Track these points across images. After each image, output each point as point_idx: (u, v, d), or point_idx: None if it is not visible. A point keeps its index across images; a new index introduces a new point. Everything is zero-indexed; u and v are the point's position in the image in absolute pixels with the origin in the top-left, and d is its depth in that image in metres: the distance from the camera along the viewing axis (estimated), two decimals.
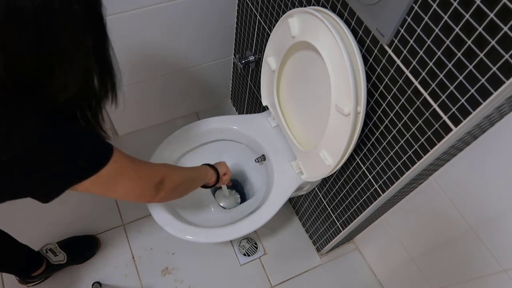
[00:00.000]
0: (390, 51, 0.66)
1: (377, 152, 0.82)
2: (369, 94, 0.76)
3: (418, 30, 0.58)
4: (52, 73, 0.49)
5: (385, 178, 0.84)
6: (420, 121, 0.66)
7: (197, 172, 0.94)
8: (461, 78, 0.55)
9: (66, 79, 0.51)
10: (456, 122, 0.59)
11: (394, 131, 0.74)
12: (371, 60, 0.71)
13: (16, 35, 0.44)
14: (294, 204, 1.49)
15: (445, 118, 0.61)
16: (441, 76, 0.58)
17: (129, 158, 0.66)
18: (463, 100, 0.56)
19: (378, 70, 0.71)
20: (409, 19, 0.59)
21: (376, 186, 0.89)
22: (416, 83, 0.63)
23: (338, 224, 1.18)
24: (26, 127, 0.50)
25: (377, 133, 0.79)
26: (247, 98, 1.52)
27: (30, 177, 0.54)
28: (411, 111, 0.67)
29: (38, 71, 0.48)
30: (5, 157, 0.50)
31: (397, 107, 0.70)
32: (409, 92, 0.66)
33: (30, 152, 0.51)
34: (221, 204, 1.27)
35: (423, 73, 0.61)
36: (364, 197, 0.96)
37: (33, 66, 0.48)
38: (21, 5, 0.42)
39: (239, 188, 1.36)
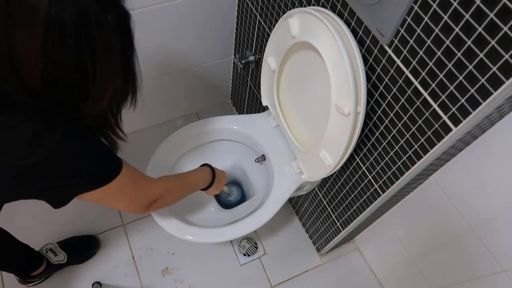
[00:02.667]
0: (390, 51, 0.66)
1: (377, 152, 0.82)
2: (369, 94, 0.76)
3: (418, 30, 0.58)
4: (89, 81, 0.52)
5: (385, 178, 0.84)
6: (420, 121, 0.66)
7: (193, 182, 0.96)
8: (461, 78, 0.55)
9: (103, 87, 0.55)
10: (456, 122, 0.59)
11: (394, 131, 0.74)
12: (371, 60, 0.71)
13: (57, 46, 0.47)
14: (294, 204, 1.49)
15: (445, 118, 0.61)
16: (441, 76, 0.58)
17: (133, 177, 0.71)
18: (463, 100, 0.56)
19: (378, 70, 0.71)
20: (409, 19, 0.59)
21: (376, 186, 0.89)
22: (416, 83, 0.63)
23: (338, 224, 1.18)
24: (53, 138, 0.53)
25: (377, 133, 0.79)
26: (247, 98, 1.52)
27: (47, 183, 0.57)
28: (411, 111, 0.67)
29: (77, 79, 0.51)
30: (30, 161, 0.52)
31: (397, 107, 0.70)
32: (409, 92, 0.66)
33: (51, 161, 0.54)
34: (224, 201, 1.27)
35: (423, 73, 0.61)
36: (364, 197, 0.96)
37: (72, 75, 0.51)
38: (60, 18, 0.45)
39: (239, 188, 1.37)
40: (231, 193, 1.33)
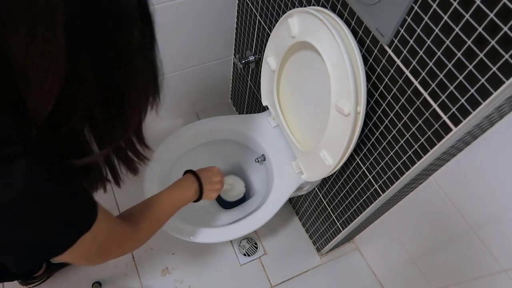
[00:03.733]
0: (390, 51, 0.66)
1: (377, 152, 0.82)
2: (369, 94, 0.76)
3: (418, 30, 0.58)
4: (124, 92, 0.43)
5: (385, 178, 0.84)
6: (420, 121, 0.66)
7: (167, 210, 0.77)
8: (461, 78, 0.55)
9: (137, 95, 0.45)
10: (456, 122, 0.59)
11: (394, 131, 0.74)
12: (371, 60, 0.71)
13: (82, 52, 0.37)
14: (294, 204, 1.49)
15: (445, 118, 0.61)
16: (441, 76, 0.58)
17: (105, 233, 0.53)
18: (463, 100, 0.56)
19: (378, 70, 0.71)
20: (409, 19, 0.59)
21: (376, 186, 0.89)
22: (416, 83, 0.63)
23: (338, 224, 1.18)
24: (16, 184, 0.38)
25: (377, 133, 0.79)
26: (247, 98, 1.52)
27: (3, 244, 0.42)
28: (411, 111, 0.67)
29: (110, 92, 0.42)
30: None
31: (397, 107, 0.70)
32: (409, 92, 0.66)
33: (5, 215, 0.39)
34: (227, 199, 1.26)
35: (423, 73, 0.61)
36: (364, 197, 0.96)
37: (104, 87, 0.41)
38: (83, 14, 0.35)
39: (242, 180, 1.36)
40: (232, 188, 1.27)
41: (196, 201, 0.86)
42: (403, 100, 0.68)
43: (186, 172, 0.88)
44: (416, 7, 0.57)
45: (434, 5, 0.54)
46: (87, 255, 0.53)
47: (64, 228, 0.45)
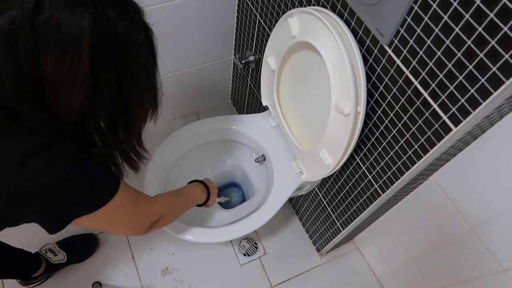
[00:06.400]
0: (390, 51, 0.66)
1: (377, 152, 0.82)
2: (369, 94, 0.76)
3: (418, 30, 0.58)
4: (130, 106, 0.54)
5: (385, 178, 0.84)
6: (420, 121, 0.66)
7: (192, 197, 0.94)
8: (461, 78, 0.55)
9: (140, 110, 0.57)
10: (456, 122, 0.59)
11: (394, 131, 0.74)
12: (371, 60, 0.71)
13: (103, 72, 0.47)
14: (294, 204, 1.49)
15: (445, 118, 0.61)
16: (441, 76, 0.58)
17: (131, 198, 0.67)
18: (463, 100, 0.56)
19: (378, 70, 0.71)
20: (409, 19, 0.59)
21: (376, 186, 0.89)
22: (416, 83, 0.63)
23: (338, 224, 1.18)
24: (52, 157, 0.50)
25: (377, 133, 0.79)
26: (247, 98, 1.52)
27: (44, 207, 0.54)
28: (411, 111, 0.67)
29: (119, 105, 0.53)
30: (34, 183, 0.50)
31: (397, 107, 0.70)
32: (409, 92, 0.66)
33: (52, 184, 0.51)
34: (227, 207, 1.28)
35: (423, 73, 0.61)
36: (364, 197, 0.96)
37: (114, 101, 0.52)
38: (104, 44, 0.46)
39: (239, 188, 1.37)
40: (231, 199, 1.34)
41: (200, 205, 0.99)
42: (403, 100, 0.68)
43: (193, 181, 1.01)
44: (416, 7, 0.57)
45: (434, 5, 0.54)
46: (124, 220, 0.68)
47: (98, 191, 0.58)
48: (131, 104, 0.54)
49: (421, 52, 0.60)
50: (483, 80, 0.52)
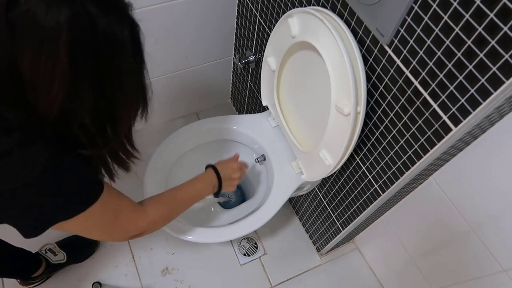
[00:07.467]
0: (390, 51, 0.66)
1: (377, 152, 0.82)
2: (369, 94, 0.76)
3: (418, 30, 0.58)
4: (115, 105, 0.52)
5: (385, 178, 0.84)
6: (420, 121, 0.66)
7: (192, 195, 0.86)
8: (461, 78, 0.55)
9: (126, 109, 0.54)
10: (456, 122, 0.59)
11: (394, 131, 0.74)
12: (371, 60, 0.71)
13: (82, 70, 0.45)
14: (294, 204, 1.49)
15: (445, 118, 0.61)
16: (441, 76, 0.58)
17: (111, 211, 0.62)
18: (463, 100, 0.56)
19: (378, 70, 0.71)
20: (409, 19, 0.59)
21: (376, 186, 0.89)
22: (416, 83, 0.63)
23: (338, 224, 1.18)
24: (29, 156, 0.48)
25: (377, 133, 0.79)
26: (247, 98, 1.52)
27: (18, 211, 0.52)
28: (411, 111, 0.67)
29: (102, 104, 0.50)
30: (7, 186, 0.48)
31: (397, 107, 0.70)
32: (409, 92, 0.66)
33: (27, 187, 0.49)
34: (226, 207, 1.28)
35: (423, 73, 0.61)
36: (364, 197, 0.96)
37: (97, 100, 0.49)
38: (83, 41, 0.44)
39: (239, 188, 1.36)
40: (231, 199, 1.33)
41: (216, 193, 0.92)
42: (403, 100, 0.68)
43: (208, 166, 0.93)
44: (416, 7, 0.57)
45: (434, 5, 0.54)
46: (102, 228, 0.63)
47: (76, 196, 0.55)
48: (117, 103, 0.52)
49: (421, 52, 0.60)
50: (483, 80, 0.52)
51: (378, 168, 0.85)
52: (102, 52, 0.46)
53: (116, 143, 0.58)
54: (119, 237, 0.70)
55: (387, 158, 0.80)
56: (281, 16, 0.85)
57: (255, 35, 1.18)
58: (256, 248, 1.42)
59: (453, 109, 0.58)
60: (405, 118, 0.69)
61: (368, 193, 0.93)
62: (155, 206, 0.75)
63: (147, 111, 0.59)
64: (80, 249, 1.30)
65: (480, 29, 0.49)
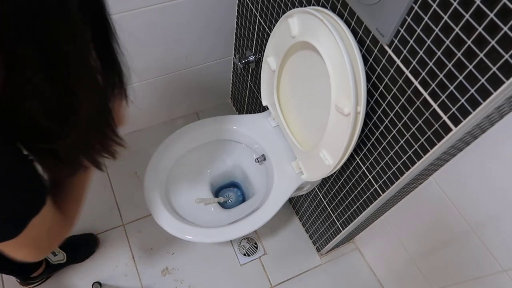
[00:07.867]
0: (390, 51, 0.66)
1: (377, 152, 0.82)
2: (369, 94, 0.76)
3: (418, 30, 0.58)
4: (66, 88, 0.41)
5: (385, 178, 0.84)
6: (420, 121, 0.66)
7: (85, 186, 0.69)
8: (461, 78, 0.55)
9: (83, 92, 0.43)
10: (456, 122, 0.59)
11: (394, 131, 0.74)
12: (371, 60, 0.71)
13: (16, 44, 0.36)
14: (294, 204, 1.49)
15: (445, 118, 0.61)
16: (441, 76, 0.58)
17: (45, 230, 0.53)
18: (463, 100, 0.56)
19: (378, 70, 0.71)
20: (409, 19, 0.59)
21: (376, 186, 0.89)
22: (416, 83, 0.63)
23: (338, 224, 1.18)
24: None
25: (377, 133, 0.79)
26: (247, 98, 1.52)
27: None
28: (411, 111, 0.67)
29: (51, 91, 0.40)
30: None
31: (397, 107, 0.70)
32: (409, 92, 0.66)
33: None
34: (226, 207, 1.28)
35: (423, 73, 0.61)
36: (364, 197, 0.96)
37: (43, 84, 0.39)
38: (17, 6, 0.33)
39: (239, 188, 1.36)
40: (230, 199, 1.33)
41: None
42: (403, 100, 0.68)
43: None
44: (416, 7, 0.57)
45: (434, 5, 0.54)
46: (37, 243, 0.53)
47: (15, 210, 0.46)
48: (75, 85, 0.42)
49: (421, 52, 0.60)
50: (483, 80, 0.52)
51: (378, 168, 0.85)
52: (44, 24, 0.36)
53: (84, 132, 0.47)
54: (55, 246, 0.60)
55: (387, 158, 0.80)
56: (281, 16, 0.85)
57: (255, 35, 1.18)
58: (256, 248, 1.42)
59: (453, 109, 0.58)
60: (405, 118, 0.69)
61: (368, 193, 0.93)
62: (67, 206, 0.62)
63: (126, 92, 0.50)
64: (80, 249, 1.30)
65: (480, 29, 0.49)
